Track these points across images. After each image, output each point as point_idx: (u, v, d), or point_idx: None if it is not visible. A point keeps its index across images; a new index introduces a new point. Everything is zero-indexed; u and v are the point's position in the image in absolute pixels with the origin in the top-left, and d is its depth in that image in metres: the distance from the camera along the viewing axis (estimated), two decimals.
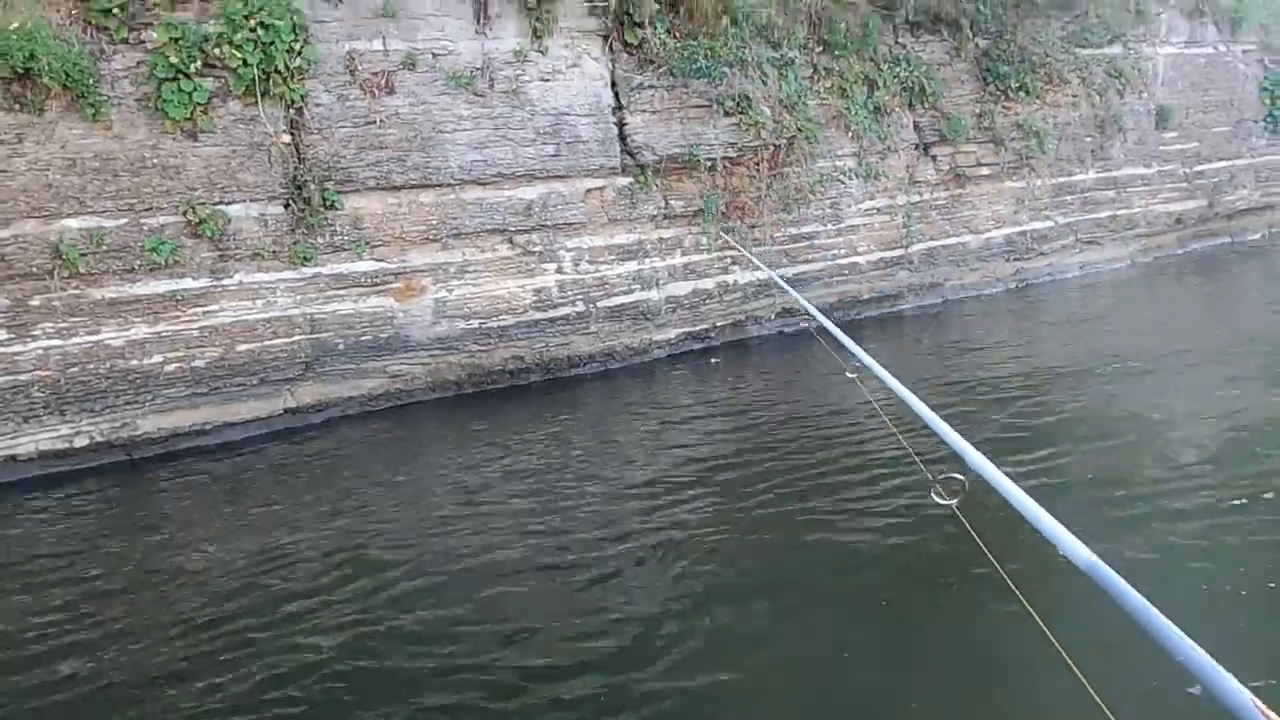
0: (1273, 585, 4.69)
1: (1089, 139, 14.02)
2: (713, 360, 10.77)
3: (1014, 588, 2.45)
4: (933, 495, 2.59)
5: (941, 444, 2.72)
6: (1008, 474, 2.45)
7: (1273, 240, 16.92)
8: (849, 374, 4.12)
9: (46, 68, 7.34)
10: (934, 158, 12.66)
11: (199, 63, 7.97)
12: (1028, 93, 13.03)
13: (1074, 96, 13.69)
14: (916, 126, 12.47)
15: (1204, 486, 5.92)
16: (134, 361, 8.11)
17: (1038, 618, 2.29)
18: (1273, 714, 1.44)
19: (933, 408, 3.08)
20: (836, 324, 4.97)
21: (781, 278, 10.37)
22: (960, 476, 2.52)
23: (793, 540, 5.61)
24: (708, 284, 10.98)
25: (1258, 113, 16.46)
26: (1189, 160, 15.57)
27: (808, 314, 5.89)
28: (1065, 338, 10.50)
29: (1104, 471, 6.24)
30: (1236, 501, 5.68)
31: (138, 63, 7.91)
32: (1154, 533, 5.23)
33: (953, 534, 2.76)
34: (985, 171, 13.00)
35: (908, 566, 5.01)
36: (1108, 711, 1.90)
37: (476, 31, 9.25)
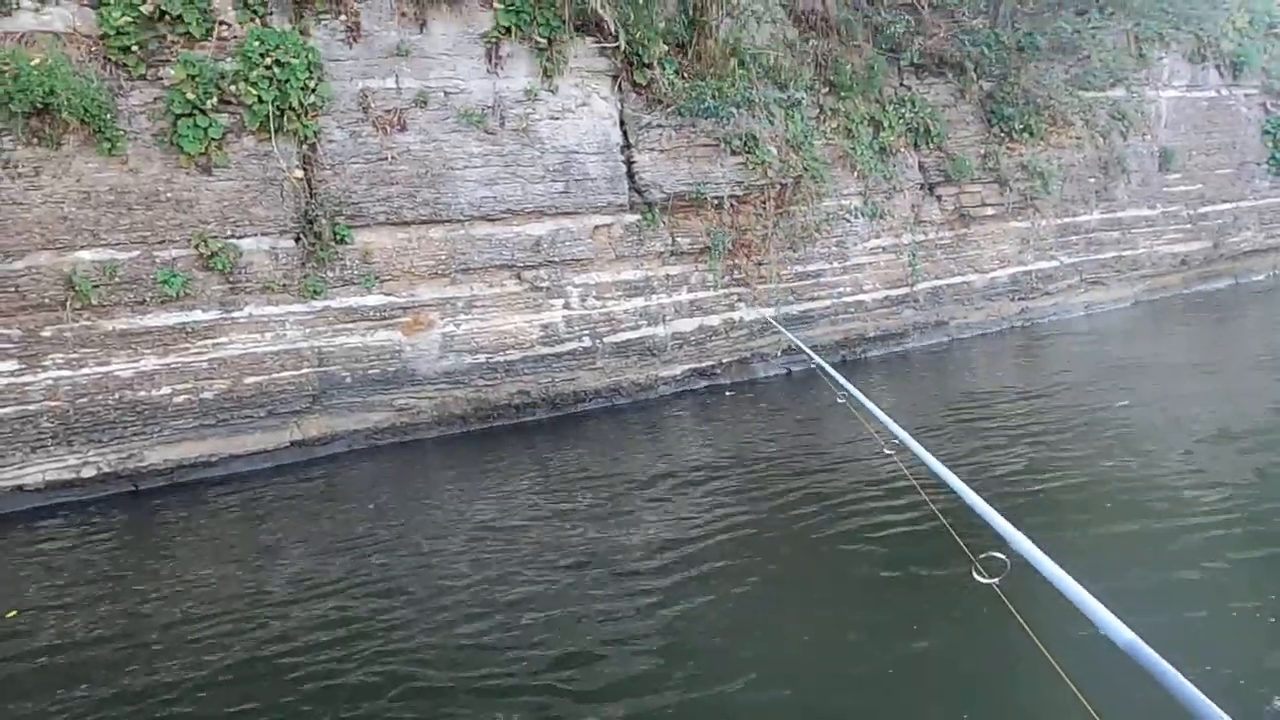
0: None
1: (1093, 180, 14.14)
2: (728, 393, 10.80)
3: (1055, 663, 2.43)
4: (974, 574, 2.56)
5: (980, 519, 2.70)
6: (1032, 529, 2.45)
7: (1277, 281, 16.97)
8: (887, 450, 4.01)
9: (65, 103, 7.47)
10: (939, 197, 12.76)
11: (215, 99, 8.11)
12: (1032, 134, 13.17)
13: (1078, 138, 13.84)
14: (922, 167, 12.59)
15: (1231, 541, 5.64)
16: (143, 393, 8.16)
17: (1078, 691, 2.27)
18: None
19: (947, 461, 3.05)
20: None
21: (792, 313, 10.44)
22: (1001, 555, 2.50)
23: (818, 595, 5.42)
24: (714, 321, 11.03)
25: (1260, 155, 16.59)
26: (1193, 202, 15.68)
27: (830, 374, 5.62)
28: (1073, 379, 10.43)
29: (1125, 531, 5.93)
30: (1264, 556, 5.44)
31: (155, 98, 8.05)
32: (1181, 593, 4.98)
33: (992, 608, 2.71)
34: (990, 211, 13.10)
35: (945, 638, 4.79)
36: None
37: (488, 71, 9.41)
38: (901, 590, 5.36)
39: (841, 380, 5.30)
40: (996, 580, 2.49)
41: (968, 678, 4.39)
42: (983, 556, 2.55)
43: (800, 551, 6.04)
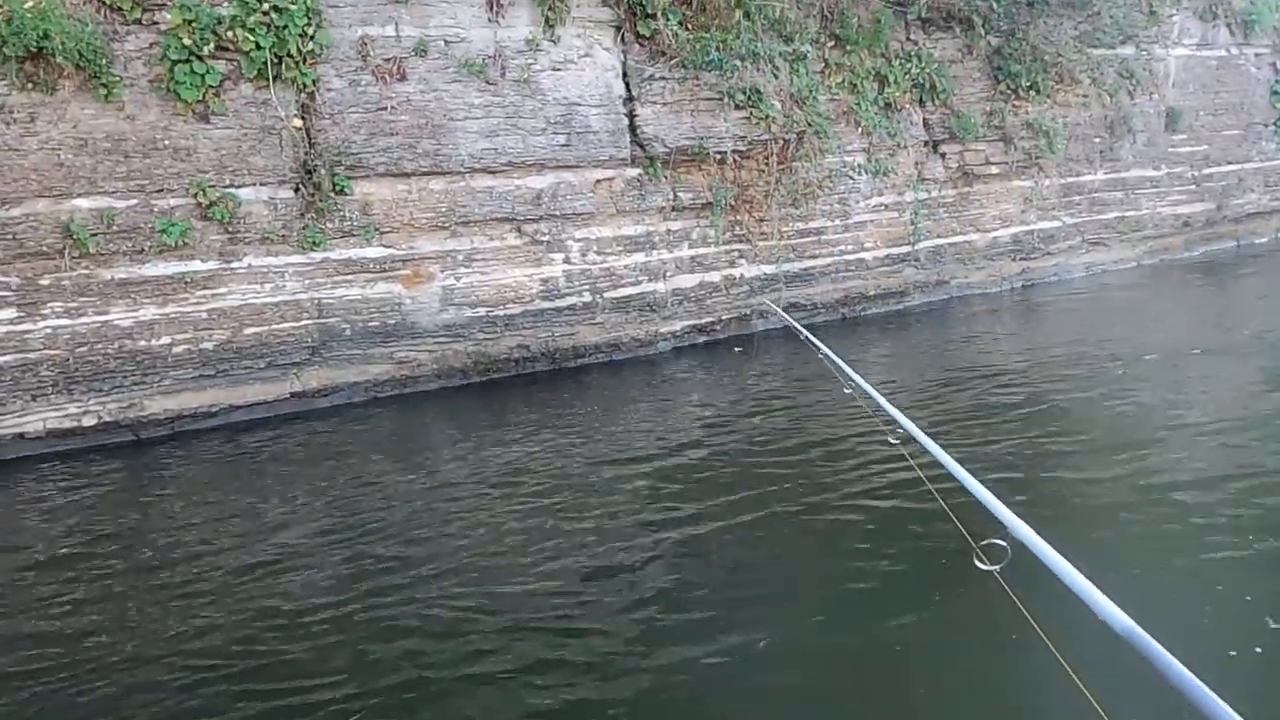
0: None
1: (1098, 140, 14.01)
2: (736, 349, 10.82)
3: (1054, 650, 2.44)
4: (975, 560, 2.55)
5: (981, 504, 2.69)
6: (1030, 512, 2.45)
7: None
8: (892, 440, 3.95)
9: (60, 47, 7.34)
10: (943, 155, 12.65)
11: (212, 45, 7.97)
12: (1038, 92, 13.01)
13: (1084, 97, 13.68)
14: (926, 124, 12.46)
15: (1237, 525, 5.45)
16: (142, 342, 8.16)
17: (1076, 677, 2.29)
18: None
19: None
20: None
21: (793, 271, 10.37)
22: (1003, 542, 2.49)
23: (815, 577, 5.31)
24: (714, 277, 11.00)
25: (1268, 117, 16.43)
26: (1198, 163, 15.56)
27: (835, 362, 5.48)
28: (1073, 345, 10.40)
29: (1129, 508, 5.75)
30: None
31: (151, 44, 7.92)
32: (1182, 579, 4.84)
33: (994, 595, 2.71)
34: (994, 170, 13.00)
35: (946, 625, 4.73)
36: None
37: (489, 19, 9.25)
38: (902, 576, 5.28)
39: (829, 351, 5.26)
40: (997, 567, 2.49)
41: (967, 664, 4.38)
42: (984, 543, 2.55)
43: (796, 531, 5.93)
